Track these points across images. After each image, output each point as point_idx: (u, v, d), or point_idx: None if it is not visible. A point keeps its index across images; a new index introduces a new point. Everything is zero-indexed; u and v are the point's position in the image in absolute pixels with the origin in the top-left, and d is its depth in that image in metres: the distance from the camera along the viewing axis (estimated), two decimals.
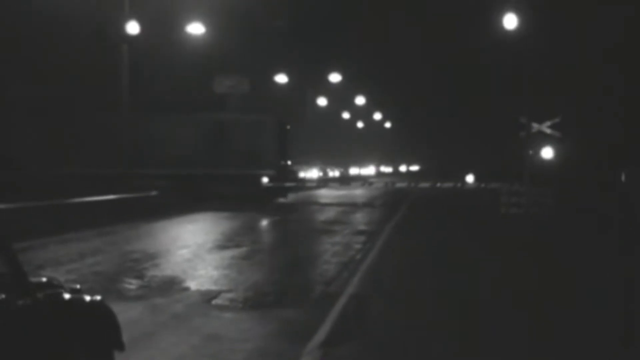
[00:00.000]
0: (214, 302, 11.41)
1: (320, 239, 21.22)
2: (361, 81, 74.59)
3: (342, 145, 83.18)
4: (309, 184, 47.07)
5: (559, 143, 31.83)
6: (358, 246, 18.96)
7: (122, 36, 32.58)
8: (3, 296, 5.29)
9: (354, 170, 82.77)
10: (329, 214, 30.76)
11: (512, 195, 28.26)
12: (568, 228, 22.33)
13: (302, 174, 50.61)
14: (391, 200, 40.66)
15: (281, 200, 36.69)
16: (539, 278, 13.30)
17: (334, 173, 69.40)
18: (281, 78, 52.89)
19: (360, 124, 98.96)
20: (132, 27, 32.46)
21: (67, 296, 6.03)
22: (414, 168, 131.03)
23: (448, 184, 39.52)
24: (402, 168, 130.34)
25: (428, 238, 20.25)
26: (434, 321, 9.71)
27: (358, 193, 48.63)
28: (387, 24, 68.71)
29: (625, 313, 8.77)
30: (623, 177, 8.96)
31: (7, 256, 5.44)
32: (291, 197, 38.50)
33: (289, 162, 39.15)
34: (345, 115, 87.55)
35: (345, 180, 63.36)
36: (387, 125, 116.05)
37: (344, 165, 77.14)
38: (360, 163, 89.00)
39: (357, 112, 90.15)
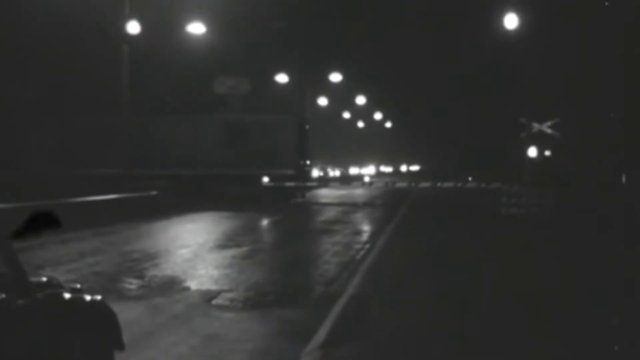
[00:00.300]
0: (214, 302, 11.41)
1: (320, 238, 21.22)
2: (362, 81, 74.56)
3: (342, 145, 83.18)
4: (309, 184, 47.08)
5: (557, 143, 31.85)
6: (358, 246, 18.96)
7: (122, 36, 32.57)
8: (3, 296, 5.28)
9: (353, 170, 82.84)
10: (330, 213, 30.76)
11: (513, 195, 28.29)
12: (568, 228, 22.32)
13: None
14: (391, 200, 40.66)
15: (299, 200, 36.56)
16: (539, 278, 13.30)
17: (335, 173, 69.44)
18: (281, 78, 52.88)
19: (360, 124, 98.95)
20: (133, 27, 32.45)
21: (67, 296, 6.02)
22: (415, 168, 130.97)
23: (448, 184, 39.54)
24: (403, 168, 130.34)
25: (428, 238, 20.25)
26: (435, 321, 9.70)
27: (358, 193, 48.65)
28: (387, 24, 68.67)
29: (625, 313, 8.77)
30: (624, 179, 8.97)
31: (7, 256, 5.44)
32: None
33: (308, 162, 39.08)
34: (346, 115, 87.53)
35: (345, 179, 63.42)
36: (388, 125, 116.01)
37: (344, 165, 77.18)
38: (361, 163, 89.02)
39: (358, 112, 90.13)
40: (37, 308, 5.57)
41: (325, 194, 47.04)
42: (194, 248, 18.04)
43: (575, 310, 10.37)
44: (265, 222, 27.20)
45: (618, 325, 9.42)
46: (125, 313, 8.60)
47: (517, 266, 14.79)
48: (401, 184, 44.12)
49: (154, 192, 34.44)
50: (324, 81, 63.85)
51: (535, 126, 31.44)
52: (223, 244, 18.90)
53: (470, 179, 43.12)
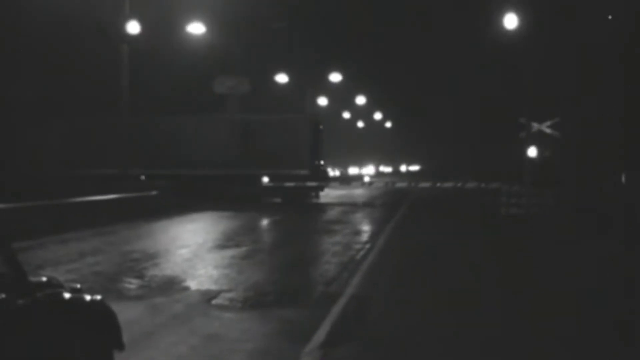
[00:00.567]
0: (214, 301, 11.40)
1: (320, 238, 21.21)
2: (361, 81, 74.58)
3: (342, 145, 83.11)
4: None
5: (557, 143, 31.86)
6: (358, 246, 18.95)
7: (122, 36, 32.57)
8: (3, 296, 5.28)
9: (353, 170, 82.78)
10: (329, 213, 30.76)
11: (512, 195, 28.30)
12: (568, 228, 22.32)
13: None
14: (391, 200, 40.67)
15: (314, 200, 36.45)
16: (539, 278, 13.30)
17: (334, 172, 69.41)
18: (281, 78, 52.90)
19: (360, 124, 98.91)
20: (133, 27, 32.45)
21: (67, 296, 6.03)
22: (414, 168, 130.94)
23: (448, 184, 39.54)
24: (402, 168, 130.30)
25: (428, 238, 20.25)
26: (435, 322, 9.70)
27: (358, 193, 48.63)
28: (387, 24, 68.69)
29: (625, 312, 8.77)
30: (623, 179, 8.97)
31: (7, 256, 5.44)
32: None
33: (322, 162, 38.92)
34: (346, 115, 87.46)
35: (345, 179, 63.36)
36: (388, 125, 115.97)
37: (344, 165, 77.12)
38: (360, 163, 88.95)
39: (358, 112, 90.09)
40: (37, 308, 5.58)
41: (324, 193, 46.99)
42: (193, 248, 18.03)
43: (575, 311, 10.37)
44: (264, 222, 27.19)
45: (618, 324, 9.43)
46: (125, 313, 8.60)
47: (517, 266, 14.79)
48: (401, 184, 44.10)
49: (154, 192, 34.45)
50: (324, 81, 63.85)
51: (535, 126, 31.45)
52: (223, 244, 18.89)
53: (470, 179, 43.13)
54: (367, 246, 18.65)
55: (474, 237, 20.40)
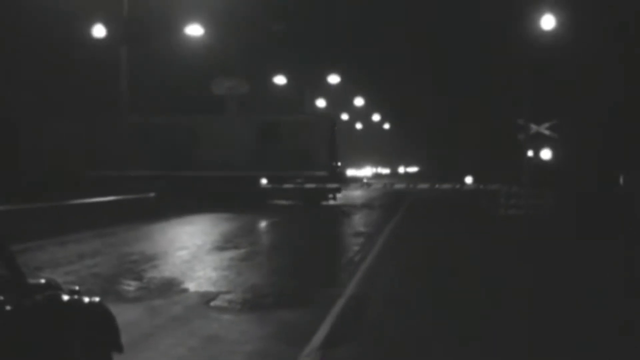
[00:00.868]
0: (212, 303, 11.39)
1: (319, 240, 21.20)
2: (360, 82, 74.61)
3: (341, 147, 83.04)
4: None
5: (557, 144, 31.88)
6: (357, 248, 18.94)
7: (121, 37, 32.57)
8: (1, 298, 5.27)
9: (351, 172, 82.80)
10: (328, 214, 30.74)
11: (511, 196, 28.32)
12: (567, 229, 22.32)
13: None
14: (390, 201, 40.66)
15: (331, 202, 36.10)
16: (539, 278, 13.30)
17: None
18: (280, 79, 52.92)
19: (359, 125, 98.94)
20: (132, 28, 32.45)
21: (65, 298, 6.01)
22: (412, 170, 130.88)
23: (447, 186, 39.52)
24: (401, 169, 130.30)
25: (427, 240, 20.24)
26: (434, 323, 9.70)
27: (357, 194, 48.59)
28: (386, 24, 68.67)
29: (625, 313, 8.76)
30: (621, 180, 8.96)
31: (5, 257, 5.42)
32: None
33: (339, 163, 38.57)
34: (344, 116, 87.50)
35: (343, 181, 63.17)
36: (386, 126, 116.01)
37: (342, 166, 77.05)
38: (359, 164, 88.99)
39: (356, 114, 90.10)
40: (35, 310, 5.56)
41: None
42: (192, 250, 18.01)
43: (575, 311, 10.36)
44: (263, 224, 27.16)
45: (618, 324, 9.42)
46: (124, 315, 8.58)
47: (516, 267, 14.79)
48: (399, 186, 44.06)
49: (152, 194, 34.39)
50: (322, 82, 63.88)
51: (533, 127, 31.46)
52: (221, 246, 18.87)
53: (468, 180, 43.12)
54: (366, 247, 18.64)
55: (473, 238, 20.40)
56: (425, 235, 21.46)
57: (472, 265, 15.00)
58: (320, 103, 69.71)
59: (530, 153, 31.39)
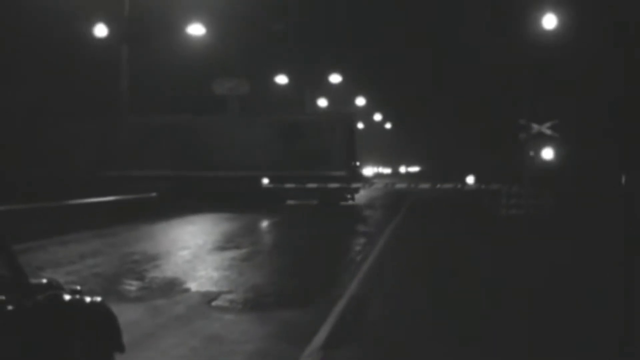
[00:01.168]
0: (214, 303, 11.40)
1: (320, 240, 21.20)
2: (361, 82, 74.55)
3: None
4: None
5: (558, 144, 31.84)
6: (358, 248, 18.95)
7: (121, 36, 32.57)
8: (3, 297, 5.28)
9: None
10: (330, 214, 30.72)
11: (512, 196, 28.31)
12: (568, 229, 22.32)
13: None
14: (391, 201, 40.65)
15: (349, 202, 35.75)
16: (539, 278, 13.30)
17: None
18: (281, 79, 52.90)
19: (360, 125, 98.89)
20: (133, 28, 32.46)
21: (67, 297, 6.02)
22: (414, 169, 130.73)
23: (448, 185, 39.49)
24: (402, 169, 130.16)
25: (428, 240, 20.24)
26: (435, 323, 9.70)
27: (358, 194, 48.52)
28: (386, 25, 68.63)
29: (625, 313, 8.76)
30: (623, 180, 8.96)
31: (7, 257, 5.44)
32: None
33: (358, 163, 38.27)
34: None
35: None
36: (388, 126, 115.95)
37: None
38: (360, 164, 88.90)
39: (358, 113, 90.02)
40: (37, 310, 5.57)
41: None
42: (193, 250, 18.03)
43: (575, 311, 10.37)
44: (264, 223, 27.16)
45: (618, 325, 9.41)
46: (126, 314, 8.59)
47: (516, 267, 14.79)
48: (401, 185, 44.01)
49: (153, 194, 34.40)
50: (323, 82, 63.85)
51: (535, 127, 31.43)
52: (223, 246, 18.88)
53: (470, 180, 43.08)
54: (368, 247, 18.65)
55: (474, 238, 20.39)
56: (426, 235, 21.46)
57: (473, 265, 15.00)
58: (322, 103, 69.70)
59: (531, 153, 31.35)
